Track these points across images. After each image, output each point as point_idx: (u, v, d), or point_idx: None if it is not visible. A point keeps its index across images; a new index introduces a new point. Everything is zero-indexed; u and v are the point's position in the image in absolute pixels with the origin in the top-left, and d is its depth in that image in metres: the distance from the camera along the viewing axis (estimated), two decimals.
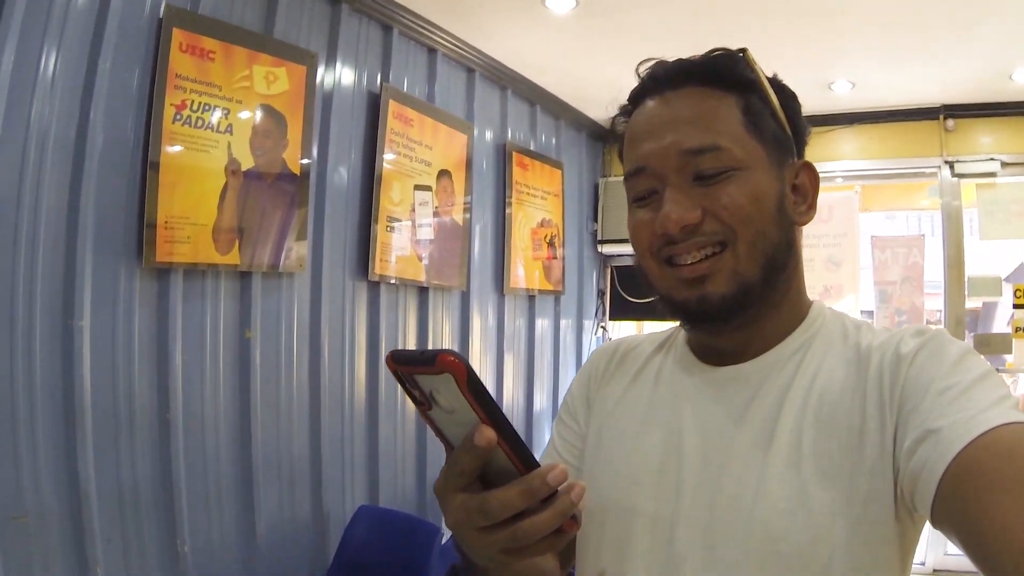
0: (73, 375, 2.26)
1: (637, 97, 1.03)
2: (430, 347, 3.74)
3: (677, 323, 1.10)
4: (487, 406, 0.64)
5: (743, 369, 0.98)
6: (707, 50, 1.01)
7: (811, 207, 1.02)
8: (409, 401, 0.69)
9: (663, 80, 0.99)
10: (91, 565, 2.25)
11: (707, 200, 0.92)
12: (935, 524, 0.76)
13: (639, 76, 1.03)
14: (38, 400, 2.17)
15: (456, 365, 0.61)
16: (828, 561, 0.83)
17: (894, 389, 0.85)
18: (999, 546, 0.66)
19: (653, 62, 1.02)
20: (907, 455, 0.79)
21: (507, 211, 4.53)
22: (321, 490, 3.15)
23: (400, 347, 3.65)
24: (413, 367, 0.64)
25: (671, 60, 1.01)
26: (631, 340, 1.20)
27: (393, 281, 3.59)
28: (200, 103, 2.63)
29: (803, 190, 1.01)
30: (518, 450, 0.66)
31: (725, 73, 0.97)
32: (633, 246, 1.01)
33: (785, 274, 0.97)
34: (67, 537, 2.22)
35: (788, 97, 1.02)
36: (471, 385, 0.62)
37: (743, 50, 1.00)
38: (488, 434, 0.64)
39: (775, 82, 1.01)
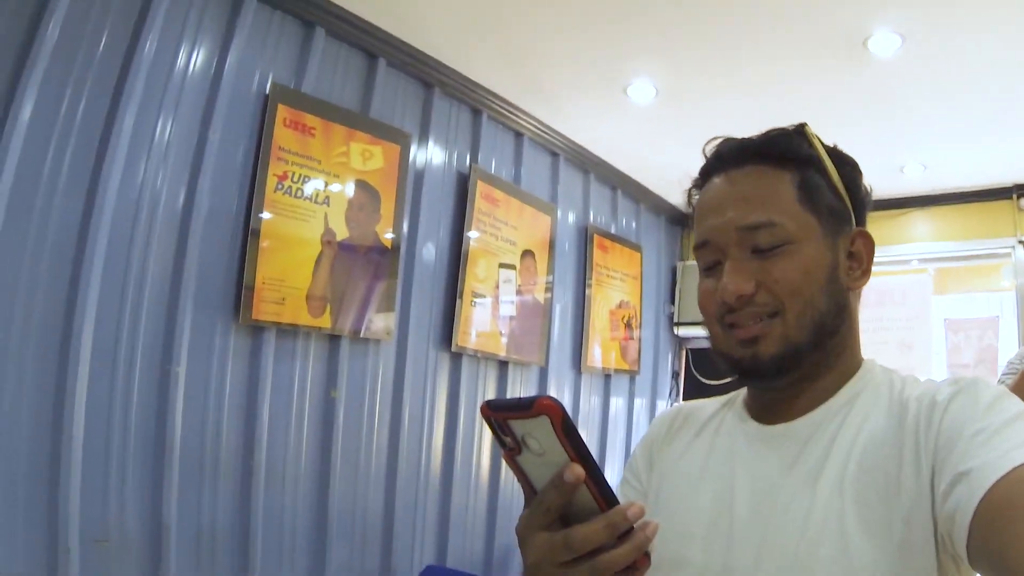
0: (166, 416, 2.43)
1: (705, 174, 1.10)
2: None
3: (740, 388, 1.16)
4: (577, 446, 0.68)
5: (793, 426, 1.01)
6: (768, 129, 1.08)
7: (865, 273, 1.06)
8: (500, 449, 0.74)
9: (726, 159, 1.07)
10: None
11: (761, 273, 0.99)
12: (972, 566, 0.77)
13: (705, 155, 1.11)
14: (132, 434, 2.34)
15: (553, 408, 0.66)
16: None
17: (928, 436, 0.87)
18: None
19: (719, 140, 1.10)
20: (942, 499, 0.80)
21: (587, 291, 4.62)
22: (391, 547, 3.21)
23: (477, 416, 3.73)
24: (508, 413, 0.69)
25: (734, 139, 1.09)
26: (694, 403, 1.25)
27: (474, 354, 3.70)
28: (300, 175, 2.84)
29: (859, 257, 1.05)
30: (602, 488, 0.70)
31: (782, 151, 1.04)
32: (701, 311, 1.08)
33: (837, 338, 1.02)
34: (144, 566, 2.36)
35: (847, 166, 1.07)
36: (565, 426, 0.67)
37: (802, 126, 1.07)
38: (577, 471, 0.68)
39: (834, 153, 1.07)
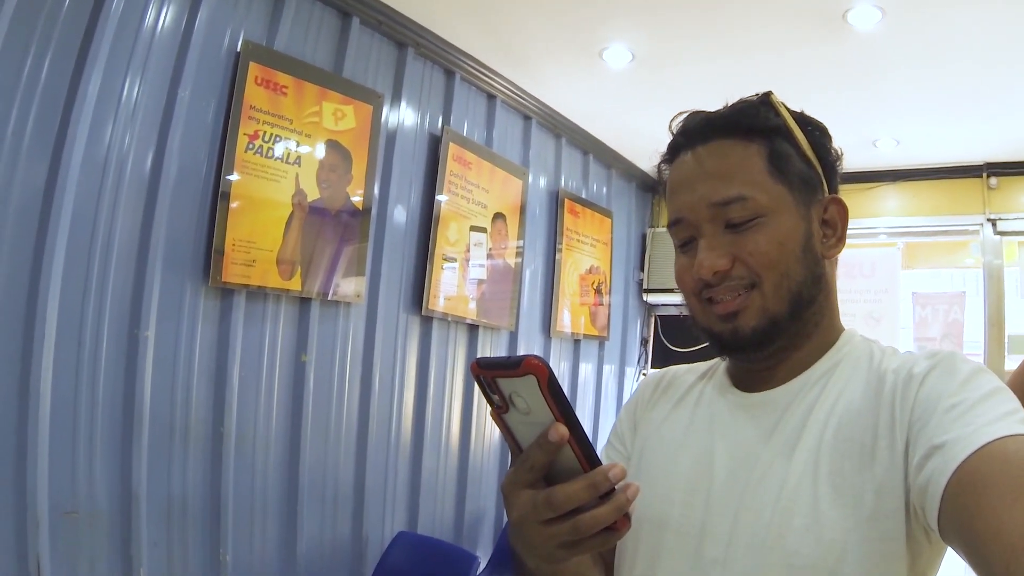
0: (135, 382, 2.38)
1: (673, 150, 1.10)
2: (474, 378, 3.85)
3: (713, 356, 1.17)
4: (563, 406, 0.70)
5: (772, 394, 1.02)
6: (734, 101, 1.08)
7: (840, 240, 1.06)
8: (489, 407, 0.76)
9: (693, 135, 1.06)
10: (135, 566, 2.35)
11: (736, 247, 0.99)
12: (944, 539, 0.78)
13: (672, 131, 1.10)
14: (100, 402, 2.30)
15: (539, 368, 0.67)
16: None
17: (904, 408, 0.88)
18: (991, 548, 0.69)
19: (684, 115, 1.10)
20: (915, 472, 0.82)
21: (557, 256, 4.62)
22: (362, 514, 3.22)
23: (448, 381, 3.77)
24: (497, 371, 0.71)
25: (700, 113, 1.07)
26: (677, 369, 1.26)
27: (444, 317, 3.69)
28: (271, 134, 2.78)
29: (832, 224, 1.05)
30: (585, 449, 0.72)
31: (748, 123, 1.03)
32: (679, 286, 1.09)
33: (814, 307, 1.02)
34: (115, 537, 2.33)
35: (816, 131, 1.06)
36: (551, 386, 0.68)
37: (767, 94, 1.06)
38: (561, 430, 0.70)
39: (802, 118, 1.06)
